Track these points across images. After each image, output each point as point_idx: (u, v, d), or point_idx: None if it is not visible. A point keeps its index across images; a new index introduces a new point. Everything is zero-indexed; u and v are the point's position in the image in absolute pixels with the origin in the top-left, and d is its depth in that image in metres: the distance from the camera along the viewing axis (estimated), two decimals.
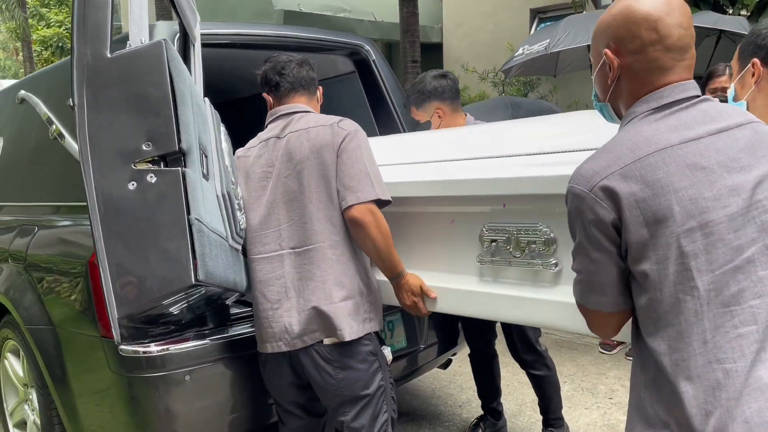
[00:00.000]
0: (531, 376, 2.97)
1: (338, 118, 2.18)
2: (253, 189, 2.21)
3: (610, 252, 1.24)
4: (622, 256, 1.24)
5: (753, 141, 1.23)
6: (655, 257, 1.18)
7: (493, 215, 1.96)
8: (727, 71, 3.44)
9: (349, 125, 2.15)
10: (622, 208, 1.19)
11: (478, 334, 3.06)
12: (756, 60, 1.68)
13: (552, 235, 1.81)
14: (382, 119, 3.22)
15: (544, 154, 1.84)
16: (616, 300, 1.28)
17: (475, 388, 3.23)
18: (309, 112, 2.28)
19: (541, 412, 3.01)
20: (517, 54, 5.32)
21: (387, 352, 2.24)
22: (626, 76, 1.31)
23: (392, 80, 3.25)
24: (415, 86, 2.82)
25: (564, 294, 1.74)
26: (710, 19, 4.51)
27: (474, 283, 2.02)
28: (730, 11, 5.59)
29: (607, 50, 1.32)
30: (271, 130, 2.29)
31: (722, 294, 1.17)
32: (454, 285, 2.08)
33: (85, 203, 1.50)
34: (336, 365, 2.09)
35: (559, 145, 1.83)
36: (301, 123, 2.20)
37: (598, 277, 1.27)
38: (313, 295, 2.08)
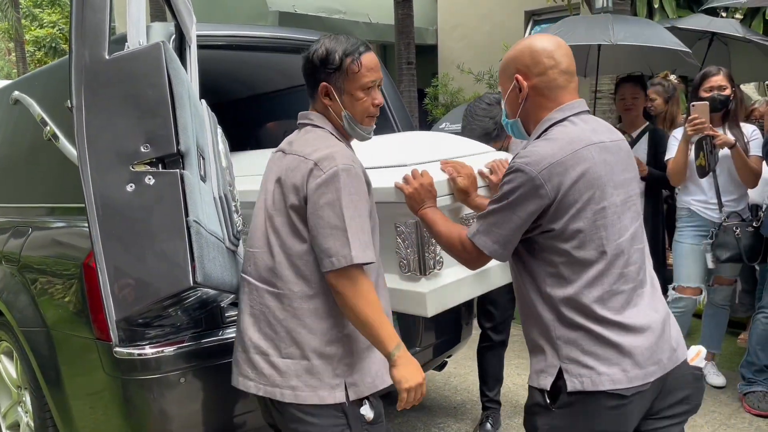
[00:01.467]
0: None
1: (324, 153, 1.75)
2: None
3: (527, 220, 1.61)
4: (529, 227, 1.63)
5: (629, 152, 1.75)
6: (580, 226, 1.58)
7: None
8: (721, 72, 3.47)
9: (329, 166, 1.71)
10: (560, 187, 1.57)
11: (492, 317, 3.15)
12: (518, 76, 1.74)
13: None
14: (377, 120, 3.22)
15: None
16: (498, 249, 1.67)
17: (470, 389, 3.24)
18: (316, 127, 1.87)
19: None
20: None
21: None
22: (533, 94, 1.70)
23: (388, 82, 3.25)
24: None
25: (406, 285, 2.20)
26: (703, 21, 4.53)
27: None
28: (724, 14, 5.63)
29: (518, 75, 1.70)
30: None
31: (619, 259, 1.61)
32: None
33: (79, 204, 1.50)
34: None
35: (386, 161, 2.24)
36: (295, 144, 1.86)
37: (502, 230, 1.64)
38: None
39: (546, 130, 1.67)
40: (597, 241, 1.59)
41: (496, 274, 2.44)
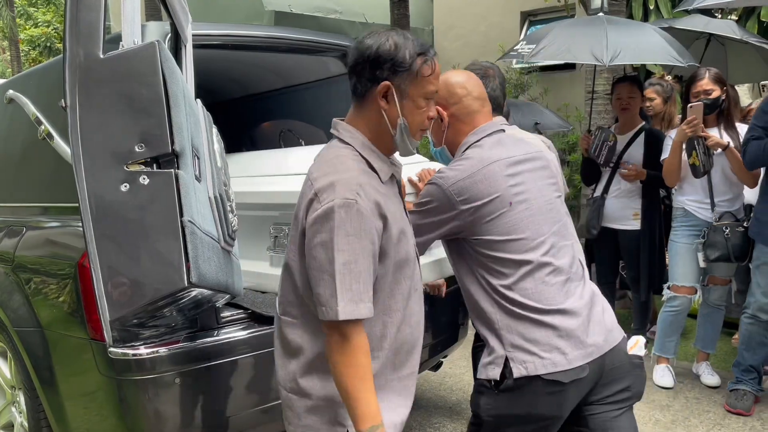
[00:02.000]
0: None
1: (327, 180, 1.52)
2: None
3: (438, 226, 1.84)
4: (456, 231, 1.84)
5: (546, 161, 1.97)
6: (501, 230, 1.79)
7: (279, 217, 2.61)
8: (707, 75, 3.50)
9: (327, 198, 1.48)
10: (471, 200, 1.78)
11: None
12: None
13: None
14: None
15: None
16: (429, 238, 1.88)
17: (465, 389, 3.24)
18: (342, 143, 1.63)
19: None
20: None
21: None
22: (453, 121, 1.94)
23: None
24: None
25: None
26: (700, 22, 4.53)
27: (266, 267, 2.67)
28: (719, 16, 5.64)
29: (438, 108, 1.87)
30: None
31: (546, 255, 1.81)
32: (253, 269, 2.69)
33: (74, 204, 1.49)
34: None
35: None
36: (316, 160, 1.66)
37: (423, 228, 1.85)
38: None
39: (464, 151, 1.91)
40: (521, 241, 1.79)
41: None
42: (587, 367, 1.79)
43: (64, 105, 1.48)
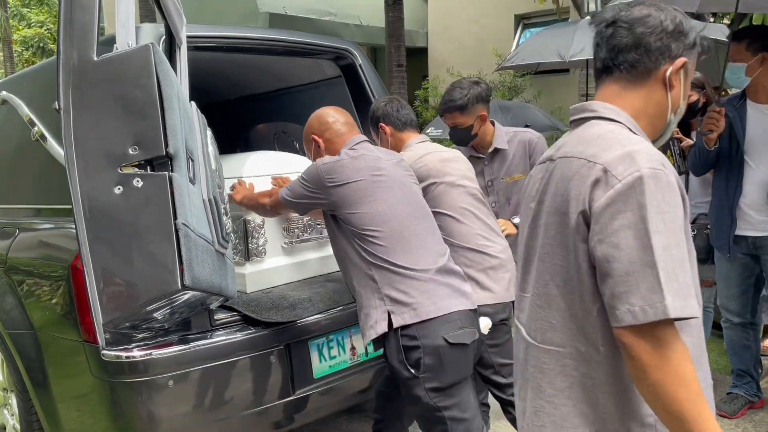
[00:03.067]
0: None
1: (618, 152, 1.22)
2: None
3: (311, 198, 2.26)
4: (329, 209, 2.25)
5: (404, 162, 2.40)
6: (364, 210, 2.16)
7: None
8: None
9: (627, 170, 1.19)
10: (340, 184, 2.16)
11: None
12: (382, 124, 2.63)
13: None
14: (368, 124, 3.23)
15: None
16: (293, 202, 2.34)
17: None
18: (608, 120, 1.32)
19: None
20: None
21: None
22: (327, 145, 2.37)
23: (378, 85, 3.26)
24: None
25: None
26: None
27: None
28: (712, 20, 5.68)
29: (313, 136, 2.39)
30: None
31: (406, 230, 2.19)
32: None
33: (67, 206, 1.49)
34: None
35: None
36: (568, 146, 1.40)
37: (296, 197, 2.31)
38: None
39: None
40: (382, 219, 2.12)
41: (313, 265, 2.92)
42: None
43: (57, 107, 1.47)
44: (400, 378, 2.12)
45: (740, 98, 3.09)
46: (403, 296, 2.07)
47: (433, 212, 2.35)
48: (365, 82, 3.19)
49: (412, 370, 2.06)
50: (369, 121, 2.74)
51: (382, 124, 2.63)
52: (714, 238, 3.29)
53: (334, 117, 2.40)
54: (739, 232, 3.10)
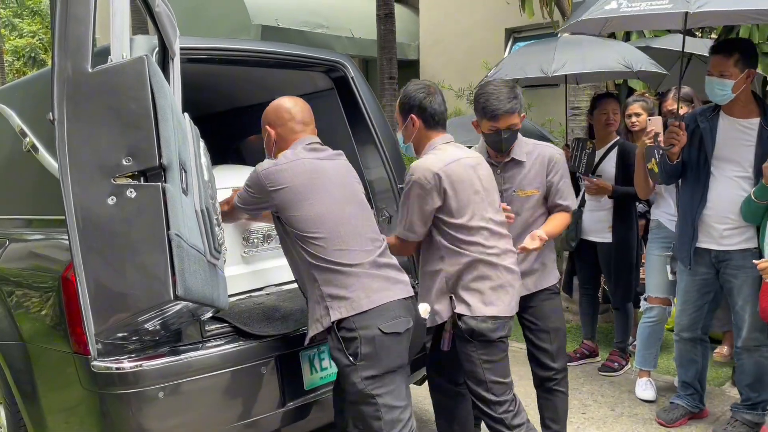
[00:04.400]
0: (550, 392, 2.89)
1: None
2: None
3: (256, 202, 2.39)
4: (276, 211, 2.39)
5: (347, 165, 2.49)
6: (302, 214, 2.29)
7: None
8: (671, 94, 3.66)
9: None
10: (282, 186, 2.30)
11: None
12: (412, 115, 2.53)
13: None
14: (360, 136, 3.24)
15: None
16: (241, 208, 2.46)
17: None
18: None
19: None
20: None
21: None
22: (278, 139, 2.43)
23: (370, 97, 3.27)
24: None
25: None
26: (680, 41, 4.61)
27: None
28: (699, 35, 5.75)
29: (268, 126, 2.44)
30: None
31: (340, 230, 2.31)
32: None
33: (58, 216, 1.49)
34: None
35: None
36: None
37: (245, 200, 2.41)
38: None
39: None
40: (320, 221, 2.24)
41: (273, 274, 2.97)
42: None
43: (52, 118, 1.48)
44: (340, 367, 2.27)
45: (713, 110, 3.09)
46: (341, 291, 2.22)
47: (452, 223, 2.42)
48: (357, 95, 3.21)
49: (351, 359, 2.20)
50: (399, 105, 2.59)
51: (413, 115, 2.52)
52: (677, 250, 3.31)
53: (291, 114, 2.42)
54: (700, 244, 3.12)
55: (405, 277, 2.38)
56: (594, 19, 3.09)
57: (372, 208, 2.66)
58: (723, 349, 4.29)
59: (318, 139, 2.46)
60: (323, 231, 2.24)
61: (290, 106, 2.44)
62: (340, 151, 2.51)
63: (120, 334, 1.98)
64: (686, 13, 2.77)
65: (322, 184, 2.30)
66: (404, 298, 2.32)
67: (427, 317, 2.44)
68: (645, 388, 3.76)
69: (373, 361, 2.21)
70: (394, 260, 2.38)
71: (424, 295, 2.54)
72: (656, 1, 2.80)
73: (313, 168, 2.32)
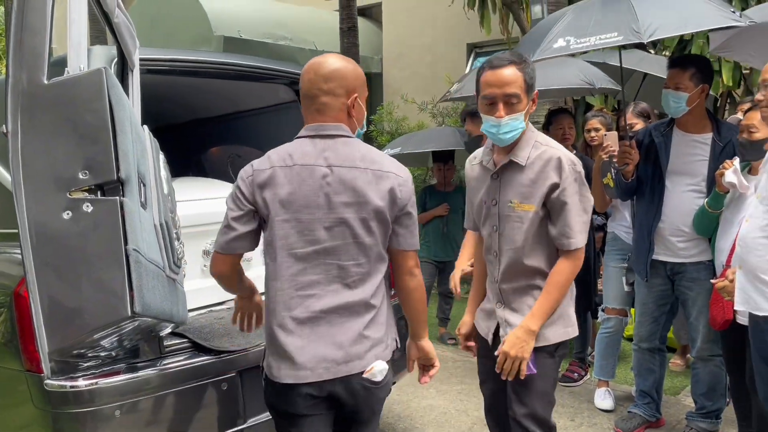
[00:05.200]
0: None
1: None
2: None
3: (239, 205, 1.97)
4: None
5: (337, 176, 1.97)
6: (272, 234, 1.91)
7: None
8: (630, 110, 3.89)
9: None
10: (257, 197, 1.85)
11: None
12: None
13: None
14: None
15: None
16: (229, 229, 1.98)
17: (413, 417, 3.21)
18: None
19: None
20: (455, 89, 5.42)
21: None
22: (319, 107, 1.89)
23: None
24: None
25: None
26: (634, 58, 4.75)
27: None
28: (653, 51, 5.92)
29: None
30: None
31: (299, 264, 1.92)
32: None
33: (11, 230, 1.45)
34: None
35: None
36: None
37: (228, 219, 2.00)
38: None
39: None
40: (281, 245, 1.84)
41: None
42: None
43: (5, 130, 1.44)
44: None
45: (668, 125, 3.17)
46: None
47: None
48: None
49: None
50: (528, 82, 2.18)
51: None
52: (634, 262, 3.39)
53: (303, 81, 1.87)
54: (656, 256, 3.19)
55: None
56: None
57: None
58: (679, 359, 4.41)
59: (311, 132, 1.97)
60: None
61: (305, 69, 1.91)
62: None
63: (75, 352, 1.92)
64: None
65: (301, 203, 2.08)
66: None
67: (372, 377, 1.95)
68: (604, 398, 3.82)
69: None
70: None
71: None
72: (605, 34, 2.82)
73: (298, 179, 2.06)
